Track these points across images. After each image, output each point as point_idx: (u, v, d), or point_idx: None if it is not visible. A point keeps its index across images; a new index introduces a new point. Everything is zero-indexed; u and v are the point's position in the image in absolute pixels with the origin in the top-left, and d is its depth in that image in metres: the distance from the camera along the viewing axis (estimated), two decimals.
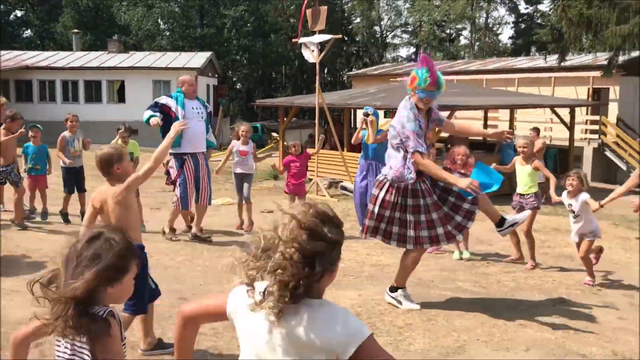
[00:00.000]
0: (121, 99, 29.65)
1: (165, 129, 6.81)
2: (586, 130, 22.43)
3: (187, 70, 30.21)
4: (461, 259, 6.89)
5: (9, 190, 8.21)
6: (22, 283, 3.84)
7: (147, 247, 6.64)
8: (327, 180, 14.81)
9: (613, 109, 22.98)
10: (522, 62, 28.33)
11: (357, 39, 49.80)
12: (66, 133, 8.13)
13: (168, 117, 6.87)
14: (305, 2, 13.63)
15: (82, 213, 7.65)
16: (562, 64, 20.25)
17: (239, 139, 8.25)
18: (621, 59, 20.12)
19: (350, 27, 48.75)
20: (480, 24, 49.65)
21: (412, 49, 54.89)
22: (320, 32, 13.67)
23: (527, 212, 5.58)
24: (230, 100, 42.17)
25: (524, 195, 6.73)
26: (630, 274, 6.41)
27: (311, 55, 13.76)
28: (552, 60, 23.03)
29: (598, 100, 22.39)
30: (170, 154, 6.92)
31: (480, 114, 21.30)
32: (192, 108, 7.13)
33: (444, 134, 16.44)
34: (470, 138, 17.05)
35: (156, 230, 7.54)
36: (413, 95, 4.65)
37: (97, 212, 3.68)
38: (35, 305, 1.82)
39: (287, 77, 48.56)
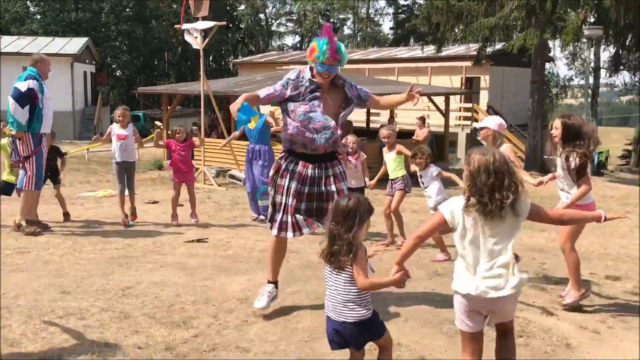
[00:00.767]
0: None
1: (32, 118, 6.74)
2: (460, 117, 23.89)
3: (62, 56, 28.54)
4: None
5: None
6: None
7: (24, 243, 6.34)
8: (214, 169, 14.70)
9: (484, 97, 24.66)
10: (401, 52, 29.54)
11: (243, 27, 49.39)
12: None
13: (33, 105, 6.73)
14: None
15: None
16: (438, 54, 21.35)
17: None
18: (490, 49, 21.60)
19: (235, 14, 48.20)
20: (363, 15, 51.01)
21: (298, 38, 55.35)
22: (204, 18, 13.47)
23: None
24: (110, 89, 40.30)
25: (393, 179, 7.08)
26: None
27: (194, 42, 13.54)
28: (429, 50, 24.26)
29: (470, 89, 23.90)
30: (27, 132, 6.78)
31: None
32: (47, 88, 6.96)
33: None
34: (354, 125, 17.60)
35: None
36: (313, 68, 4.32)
37: None
38: None
39: (171, 64, 47.23)
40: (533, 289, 5.44)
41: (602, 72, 30.84)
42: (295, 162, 4.39)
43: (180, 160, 8.12)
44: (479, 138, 5.35)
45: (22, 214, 6.94)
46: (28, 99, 6.66)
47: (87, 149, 19.81)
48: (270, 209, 4.50)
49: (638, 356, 3.92)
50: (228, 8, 45.75)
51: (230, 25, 44.18)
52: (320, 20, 49.69)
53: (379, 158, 8.19)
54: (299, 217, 4.38)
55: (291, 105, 4.37)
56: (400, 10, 52.24)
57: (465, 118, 23.83)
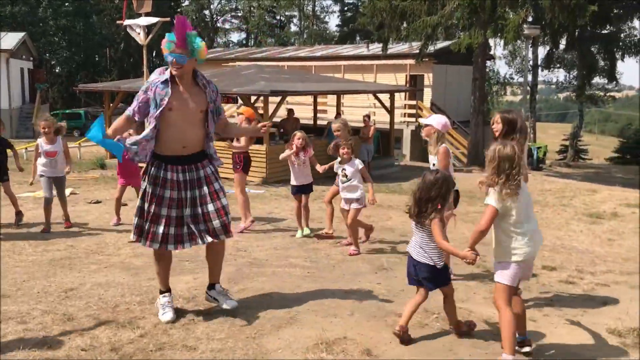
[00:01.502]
0: None
1: None
2: (405, 114, 24.29)
3: None
4: (304, 236, 7.26)
5: None
6: None
7: None
8: None
9: (427, 94, 25.15)
10: (347, 49, 29.77)
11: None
12: None
13: None
14: None
15: None
16: (383, 52, 21.62)
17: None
18: (433, 48, 22.05)
19: (179, 9, 47.41)
20: (309, 12, 51.09)
21: (244, 35, 54.95)
22: (147, 14, 13.24)
23: None
24: (50, 86, 38.99)
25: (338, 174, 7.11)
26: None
27: (138, 38, 13.29)
28: (375, 48, 24.56)
29: (414, 86, 24.32)
30: None
31: (310, 99, 22.06)
32: None
33: (276, 118, 16.84)
34: (301, 122, 17.67)
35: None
36: None
37: None
38: None
39: (113, 60, 46.00)
40: (474, 280, 5.63)
41: (540, 70, 31.97)
42: (164, 168, 4.17)
43: (126, 162, 7.79)
44: (422, 135, 5.50)
45: None
46: None
47: (26, 148, 19.13)
48: (136, 220, 4.20)
49: (570, 341, 4.12)
50: (172, 4, 44.96)
51: (174, 21, 43.46)
52: (267, 17, 49.53)
53: (325, 154, 8.24)
54: (184, 229, 4.20)
55: (152, 108, 4.17)
56: (346, 8, 52.61)
57: (410, 115, 24.26)
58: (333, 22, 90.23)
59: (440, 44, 23.21)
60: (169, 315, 4.21)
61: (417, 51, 21.65)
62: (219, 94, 4.39)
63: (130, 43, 39.86)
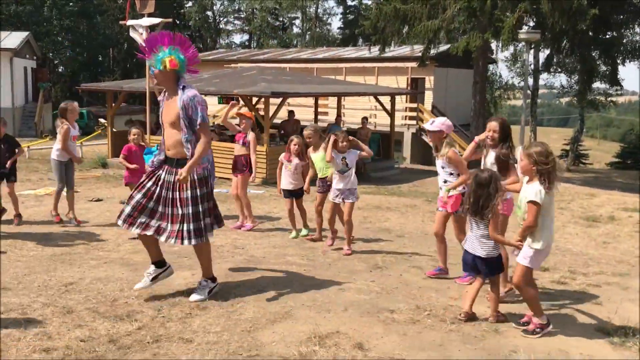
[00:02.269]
0: None
1: None
2: (406, 116, 24.38)
3: (1, 51, 27.61)
4: (297, 237, 7.34)
5: None
6: None
7: None
8: None
9: (428, 97, 25.24)
10: (349, 52, 29.88)
11: (190, 24, 48.82)
12: None
13: None
14: None
15: None
16: (384, 55, 21.75)
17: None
18: (435, 51, 22.15)
19: (182, 11, 47.61)
20: (311, 14, 51.21)
21: (246, 36, 55.11)
22: (150, 15, 13.36)
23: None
24: (53, 85, 39.15)
25: (323, 178, 7.04)
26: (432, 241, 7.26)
27: (140, 39, 13.40)
28: (376, 51, 24.67)
29: (415, 89, 24.41)
30: None
31: (311, 101, 22.18)
32: None
33: (277, 120, 16.95)
34: (301, 124, 17.77)
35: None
36: None
37: None
38: None
39: (116, 60, 46.22)
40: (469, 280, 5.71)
41: (541, 74, 32.01)
42: (159, 166, 4.68)
43: (136, 162, 7.87)
44: (427, 140, 5.60)
45: None
46: None
47: (28, 147, 19.26)
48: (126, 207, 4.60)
49: (560, 339, 4.21)
50: (175, 5, 45.14)
51: (178, 22, 43.65)
52: (269, 19, 49.66)
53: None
54: (142, 215, 4.54)
55: None
56: (348, 11, 52.74)
57: (411, 118, 24.36)
58: (335, 25, 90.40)
59: (442, 47, 23.29)
60: (140, 283, 4.76)
61: (419, 54, 21.77)
62: (198, 106, 4.48)
63: (134, 43, 40.03)
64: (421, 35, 18.60)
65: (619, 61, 23.46)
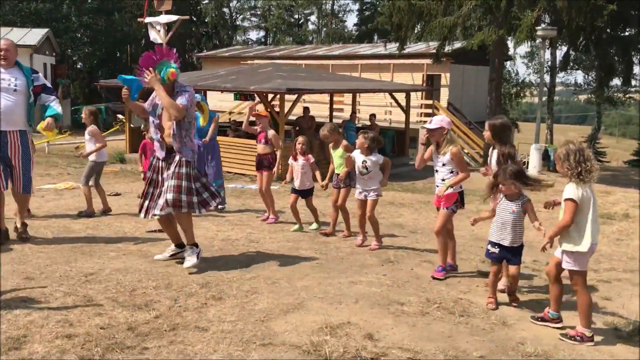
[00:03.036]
0: None
1: None
2: (421, 113, 24.36)
3: (21, 47, 28.00)
4: (299, 230, 7.48)
5: None
6: None
7: None
8: None
9: (444, 94, 25.19)
10: (364, 48, 29.89)
11: (207, 20, 49.08)
12: None
13: None
14: None
15: None
16: (400, 52, 21.72)
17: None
18: (450, 48, 22.11)
19: (199, 7, 47.85)
20: (327, 10, 51.22)
21: (262, 33, 55.27)
22: (167, 12, 13.54)
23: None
24: (71, 81, 39.63)
25: (339, 175, 7.16)
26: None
27: (158, 36, 13.59)
28: (392, 47, 24.67)
29: (431, 86, 24.37)
30: None
31: (326, 97, 22.26)
32: (4, 79, 5.95)
33: (292, 116, 17.07)
34: (317, 120, 17.88)
35: None
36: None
37: None
38: None
39: (133, 57, 46.57)
40: (478, 274, 5.80)
41: (558, 72, 31.79)
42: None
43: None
44: (431, 139, 5.56)
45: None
46: None
47: (48, 142, 19.58)
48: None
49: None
50: (192, 2, 45.41)
51: (195, 19, 43.92)
52: (285, 15, 49.74)
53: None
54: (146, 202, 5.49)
55: None
56: (364, 7, 52.69)
57: (427, 115, 24.30)
58: (351, 21, 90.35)
59: (458, 44, 23.25)
60: (159, 255, 5.72)
61: (434, 51, 21.75)
62: (185, 96, 5.30)
63: (151, 40, 40.34)
64: (436, 32, 18.59)
65: (635, 60, 23.20)
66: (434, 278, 5.45)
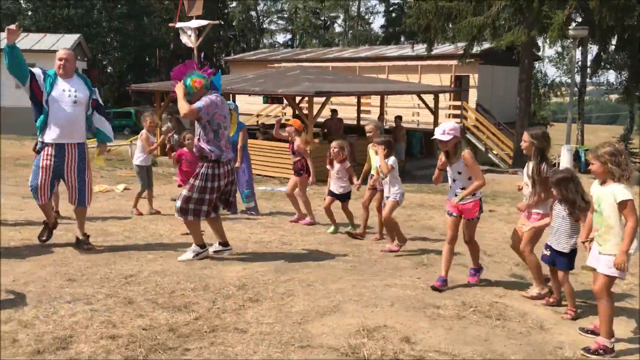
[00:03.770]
0: None
1: (38, 111, 5.82)
2: (449, 114, 24.21)
3: (55, 53, 28.60)
4: (335, 232, 7.51)
5: None
6: None
7: (28, 234, 6.56)
8: None
9: (472, 95, 25.01)
10: (392, 50, 29.84)
11: (234, 24, 49.50)
12: None
13: (36, 97, 5.76)
14: None
15: None
16: (427, 53, 21.64)
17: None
18: (479, 48, 21.95)
19: (226, 11, 48.33)
20: (354, 12, 51.22)
21: (289, 35, 55.53)
22: (198, 17, 13.73)
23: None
24: (102, 85, 40.36)
25: (374, 176, 7.11)
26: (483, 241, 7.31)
27: (189, 40, 13.79)
28: (419, 49, 24.58)
29: (459, 87, 24.22)
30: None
31: (353, 99, 22.28)
32: (63, 90, 5.80)
33: (320, 118, 17.14)
34: (344, 123, 17.93)
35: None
36: None
37: None
38: None
39: (162, 61, 47.24)
40: (513, 277, 5.78)
41: (590, 71, 31.33)
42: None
43: (188, 167, 8.26)
44: (442, 148, 5.22)
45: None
46: (32, 92, 5.73)
47: (130, 141, 19.96)
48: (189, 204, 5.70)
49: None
50: (220, 5, 45.88)
51: (222, 23, 44.34)
52: (311, 18, 49.88)
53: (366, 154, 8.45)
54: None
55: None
56: (391, 9, 52.57)
57: (455, 116, 24.17)
58: (377, 23, 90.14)
59: (487, 45, 23.06)
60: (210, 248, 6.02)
61: (463, 52, 21.62)
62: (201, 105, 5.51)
63: (179, 44, 40.94)
64: (465, 32, 18.48)
65: None
66: (470, 283, 5.43)
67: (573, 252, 4.69)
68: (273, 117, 25.87)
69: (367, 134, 7.26)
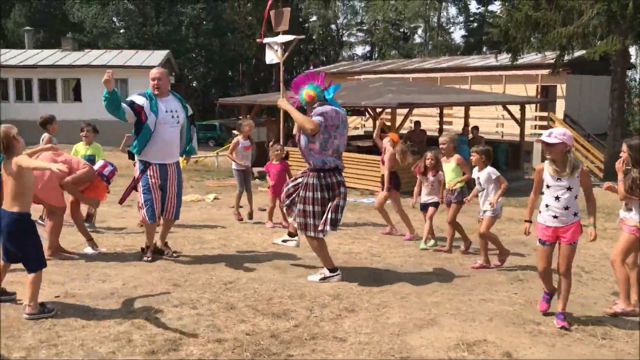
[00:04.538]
0: (77, 97, 29.35)
1: (137, 132, 5.95)
2: (536, 125, 23.50)
3: (145, 68, 30.08)
4: (426, 248, 7.45)
5: None
6: None
7: (131, 241, 6.95)
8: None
9: (560, 106, 24.15)
10: (474, 60, 29.34)
11: (314, 37, 50.24)
12: None
13: (139, 120, 5.89)
14: (269, 3, 13.98)
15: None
16: (512, 63, 21.15)
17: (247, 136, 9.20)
18: (567, 58, 21.22)
19: (306, 25, 49.15)
20: (434, 23, 50.78)
21: (368, 48, 55.72)
22: (284, 32, 14.05)
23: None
24: (187, 99, 42.02)
25: (449, 190, 7.03)
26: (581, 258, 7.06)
27: (275, 56, 14.13)
28: (503, 59, 24.04)
29: (546, 98, 23.47)
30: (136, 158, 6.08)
31: (434, 110, 22.05)
32: (166, 112, 5.99)
33: (403, 130, 17.09)
34: (428, 135, 17.80)
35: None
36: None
37: None
38: None
39: (244, 75, 48.63)
40: (615, 295, 5.54)
41: None
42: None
43: (277, 179, 8.52)
44: (547, 154, 4.70)
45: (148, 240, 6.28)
46: (139, 119, 5.90)
47: (217, 153, 20.85)
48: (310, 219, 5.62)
49: None
50: (300, 20, 46.75)
51: (304, 37, 45.20)
52: (391, 30, 49.85)
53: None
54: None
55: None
56: (471, 18, 51.73)
57: (541, 127, 23.43)
58: (458, 33, 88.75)
59: (576, 53, 22.26)
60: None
61: (550, 61, 20.96)
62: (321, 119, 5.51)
63: (262, 59, 42.02)
64: (553, 42, 17.93)
65: None
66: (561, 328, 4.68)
67: None
68: (352, 128, 26.00)
69: (441, 146, 7.16)
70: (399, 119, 15.68)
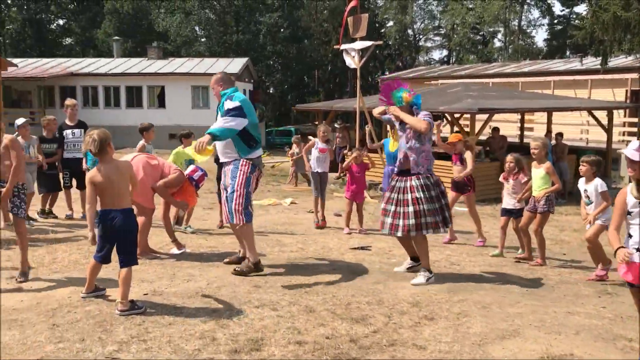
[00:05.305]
0: (161, 104, 30.58)
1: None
2: (624, 132, 22.36)
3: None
4: (502, 255, 7.29)
5: None
6: None
7: (214, 242, 7.18)
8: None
9: None
10: (557, 64, 28.30)
11: (390, 43, 50.04)
12: (20, 139, 7.52)
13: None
14: (347, 9, 14.10)
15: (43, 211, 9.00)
16: (602, 67, 20.22)
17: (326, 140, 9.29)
18: None
19: (382, 30, 49.03)
20: (514, 27, 49.42)
21: (445, 52, 54.92)
22: (361, 38, 14.12)
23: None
24: (265, 105, 42.85)
25: (536, 198, 6.85)
26: None
27: (352, 61, 14.22)
28: (589, 62, 23.04)
29: (637, 103, 22.29)
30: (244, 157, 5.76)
31: (514, 116, 21.43)
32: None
33: (482, 136, 16.72)
34: (508, 141, 17.31)
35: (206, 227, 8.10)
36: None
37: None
38: None
39: (320, 81, 49.07)
40: None
41: None
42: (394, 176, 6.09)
43: (356, 181, 8.66)
44: (632, 172, 4.11)
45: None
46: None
47: (273, 166, 21.34)
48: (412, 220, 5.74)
49: None
50: (376, 25, 46.71)
51: (381, 43, 45.17)
52: (470, 34, 48.93)
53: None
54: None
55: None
56: (555, 21, 49.95)
57: (630, 134, 22.24)
58: (540, 36, 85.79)
59: None
60: (398, 267, 6.27)
61: None
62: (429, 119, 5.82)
63: (337, 65, 42.31)
64: None
65: None
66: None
67: None
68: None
69: (532, 152, 6.97)
70: (478, 125, 15.35)
